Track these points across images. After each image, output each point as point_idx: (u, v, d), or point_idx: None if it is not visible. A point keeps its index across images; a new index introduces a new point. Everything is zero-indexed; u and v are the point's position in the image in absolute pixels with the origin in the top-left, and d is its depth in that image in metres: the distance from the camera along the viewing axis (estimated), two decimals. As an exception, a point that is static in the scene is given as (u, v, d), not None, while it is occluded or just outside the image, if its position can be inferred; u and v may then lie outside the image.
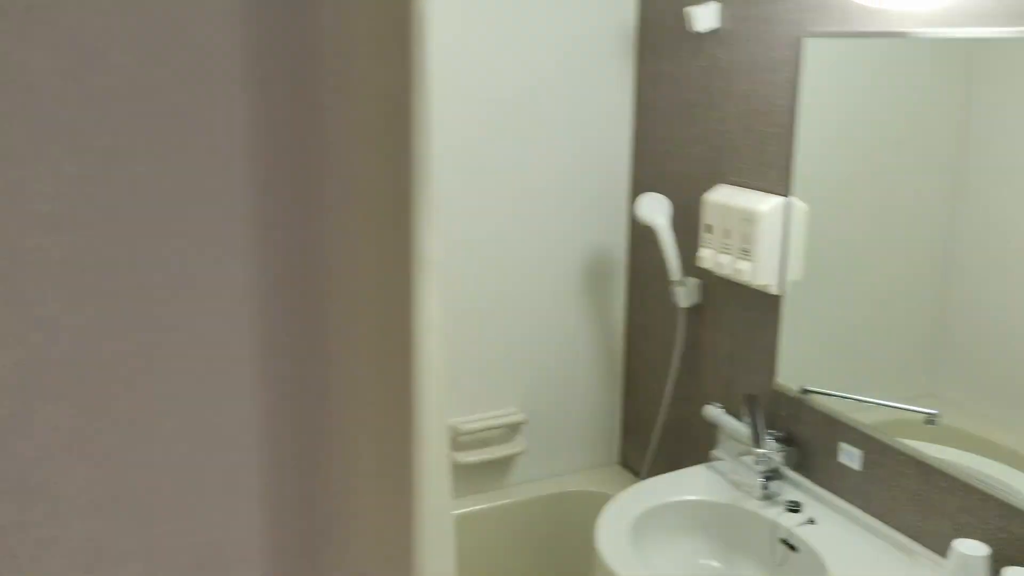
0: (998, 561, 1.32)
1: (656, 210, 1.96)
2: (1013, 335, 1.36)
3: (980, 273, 1.42)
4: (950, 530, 1.43)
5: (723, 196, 1.77)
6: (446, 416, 1.46)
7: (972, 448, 1.42)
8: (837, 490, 1.64)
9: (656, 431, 2.10)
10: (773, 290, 1.72)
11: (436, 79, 1.90)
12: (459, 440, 2.11)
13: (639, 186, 2.12)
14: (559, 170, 2.08)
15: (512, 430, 2.18)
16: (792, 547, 1.58)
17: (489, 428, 2.13)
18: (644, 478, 1.80)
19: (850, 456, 1.61)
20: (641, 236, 2.14)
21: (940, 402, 1.49)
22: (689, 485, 1.75)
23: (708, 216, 1.81)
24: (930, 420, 1.49)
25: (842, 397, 1.63)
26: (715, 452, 1.82)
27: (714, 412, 1.83)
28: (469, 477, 2.16)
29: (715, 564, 1.67)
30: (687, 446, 2.05)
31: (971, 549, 1.31)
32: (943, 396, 1.48)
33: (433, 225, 1.35)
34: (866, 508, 1.58)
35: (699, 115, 1.91)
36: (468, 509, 2.12)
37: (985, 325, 1.41)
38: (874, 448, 1.56)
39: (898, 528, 1.53)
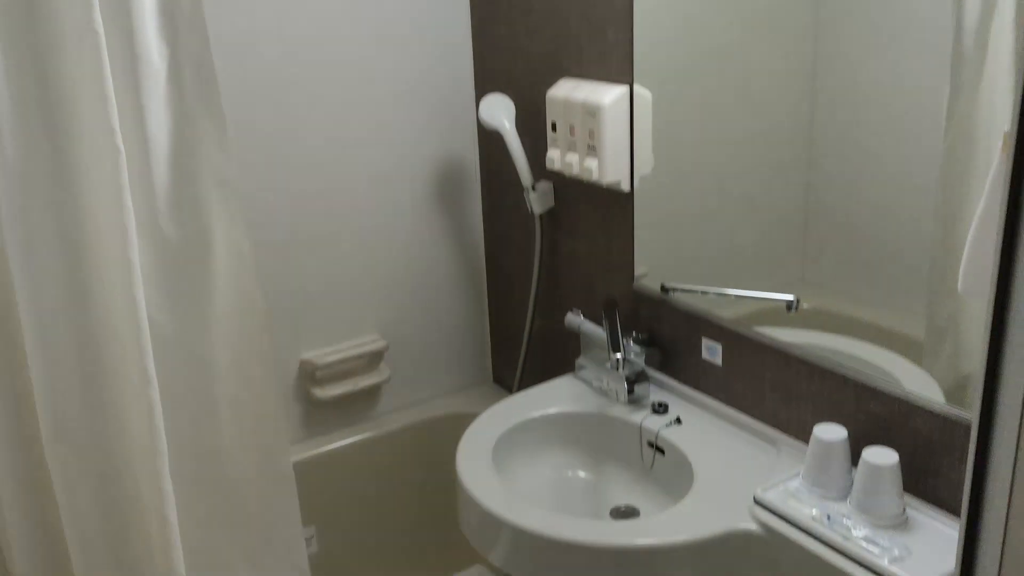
0: (857, 441, 1.29)
1: (500, 112, 1.84)
2: (875, 212, 1.31)
3: (839, 152, 1.36)
4: (811, 415, 1.40)
5: (565, 90, 1.66)
6: (272, 348, 1.31)
7: (837, 329, 1.38)
8: (702, 387, 1.60)
9: (523, 344, 2.02)
10: (624, 186, 1.63)
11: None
12: (317, 375, 1.98)
13: (483, 89, 1.98)
14: (397, 75, 1.92)
15: (375, 358, 2.06)
16: (660, 449, 1.53)
17: (349, 359, 2.01)
18: (516, 393, 1.72)
19: (712, 351, 1.56)
20: (492, 142, 2.02)
21: (807, 286, 1.44)
22: (553, 398, 1.68)
23: (552, 114, 1.69)
24: (791, 307, 1.45)
25: (703, 292, 1.58)
26: (580, 360, 1.75)
27: (575, 320, 1.75)
28: (333, 412, 2.04)
29: (583, 475, 1.62)
30: (555, 357, 1.98)
31: (830, 433, 1.28)
32: (809, 280, 1.44)
33: (227, 145, 1.18)
34: (730, 402, 1.55)
35: (536, 4, 1.78)
36: (335, 445, 2.01)
37: (847, 204, 1.36)
38: (735, 341, 1.51)
39: (762, 419, 1.50)
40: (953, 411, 1.20)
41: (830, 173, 1.37)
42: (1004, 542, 0.66)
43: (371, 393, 2.09)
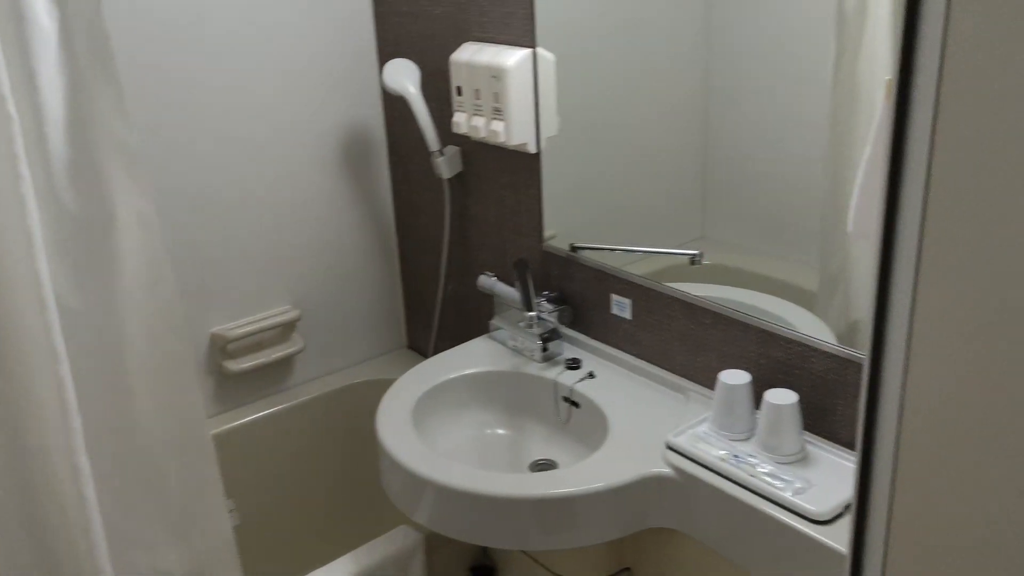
0: (760, 385, 1.36)
1: (404, 77, 1.83)
2: (769, 170, 1.37)
3: (733, 112, 1.41)
4: (716, 363, 1.47)
5: (469, 54, 1.66)
6: (185, 318, 1.30)
7: (737, 283, 1.45)
8: (612, 341, 1.65)
9: (436, 308, 2.04)
10: (531, 148, 1.65)
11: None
12: (229, 348, 1.95)
13: (387, 55, 1.97)
14: (297, 44, 1.89)
15: (287, 329, 2.04)
16: (575, 403, 1.58)
17: (261, 331, 1.98)
18: (432, 356, 1.74)
19: (621, 307, 1.61)
20: (397, 107, 2.01)
21: (707, 243, 1.50)
22: (469, 358, 1.71)
23: (457, 78, 1.70)
24: (695, 261, 1.51)
25: (610, 250, 1.62)
26: (493, 322, 1.78)
27: (488, 281, 1.78)
28: (246, 385, 2.02)
29: (502, 432, 1.65)
30: (469, 320, 2.00)
31: (734, 378, 1.35)
32: (711, 237, 1.50)
33: (125, 111, 1.15)
34: (640, 355, 1.60)
35: (437, -32, 1.77)
36: (250, 418, 1.99)
37: (744, 161, 1.41)
38: (643, 296, 1.57)
39: (671, 369, 1.56)
40: (845, 351, 1.28)
41: (724, 133, 1.43)
42: (895, 469, 0.72)
43: (285, 364, 2.07)
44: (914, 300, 0.64)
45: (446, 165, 1.86)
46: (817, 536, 1.15)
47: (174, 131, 1.78)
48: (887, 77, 0.93)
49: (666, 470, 1.33)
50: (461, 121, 1.71)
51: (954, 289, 0.61)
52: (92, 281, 1.21)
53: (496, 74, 1.59)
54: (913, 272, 0.63)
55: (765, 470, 1.26)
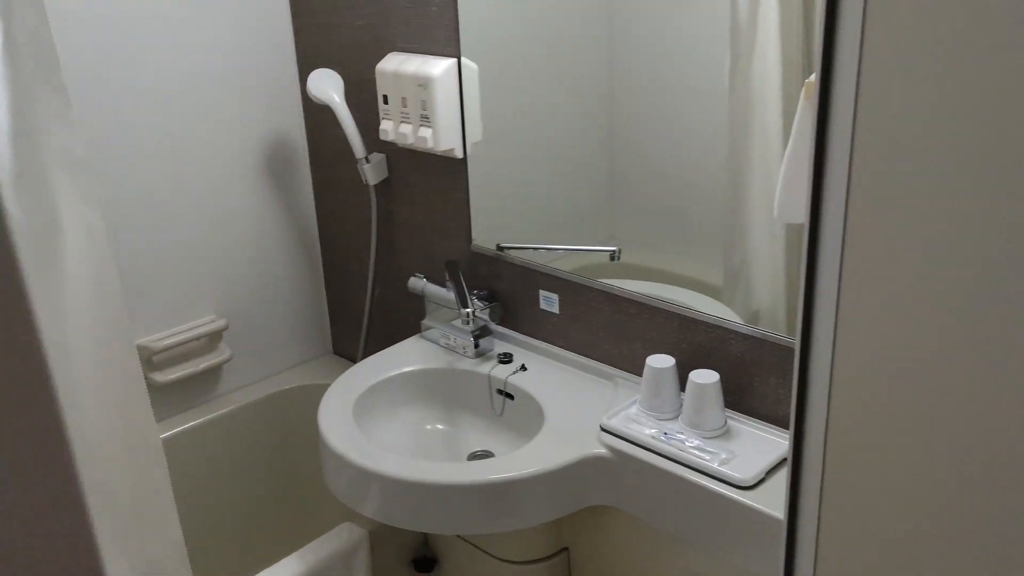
0: (683, 367, 1.47)
1: (329, 87, 1.88)
2: (673, 171, 1.48)
3: (638, 118, 1.52)
4: (642, 350, 1.57)
5: (394, 64, 1.73)
6: (131, 328, 1.31)
7: (651, 279, 1.56)
8: (542, 335, 1.74)
9: (365, 313, 2.08)
10: (457, 154, 1.73)
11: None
12: (155, 360, 1.95)
13: (308, 65, 2.01)
14: (216, 55, 1.91)
15: (213, 338, 2.05)
16: (509, 395, 1.66)
17: (187, 341, 1.99)
18: (366, 358, 1.79)
19: (549, 301, 1.70)
20: (318, 116, 2.05)
21: (620, 243, 1.60)
22: (404, 358, 1.76)
23: (383, 87, 1.76)
24: (614, 257, 1.61)
25: (535, 248, 1.71)
26: (425, 322, 1.84)
27: (418, 283, 1.84)
28: (174, 396, 2.02)
29: (440, 427, 1.72)
30: (398, 322, 2.06)
31: (661, 362, 1.45)
32: (621, 237, 1.60)
33: (71, 120, 1.17)
34: (569, 347, 1.70)
35: (358, -19, 1.83)
36: (180, 428, 1.99)
37: (649, 165, 1.52)
38: (569, 290, 1.66)
39: (599, 359, 1.65)
40: (759, 331, 1.40)
41: (629, 140, 1.54)
42: (826, 441, 0.81)
43: (213, 373, 2.08)
44: (840, 280, 0.74)
45: (372, 172, 1.91)
46: (743, 500, 1.27)
47: (95, 142, 1.77)
48: (808, 79, 1.05)
49: (602, 451, 1.42)
50: (388, 128, 1.77)
51: (875, 271, 0.71)
52: (39, 290, 1.22)
53: (423, 83, 1.66)
54: (839, 257, 0.72)
55: (693, 444, 1.37)
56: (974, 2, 0.60)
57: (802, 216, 0.77)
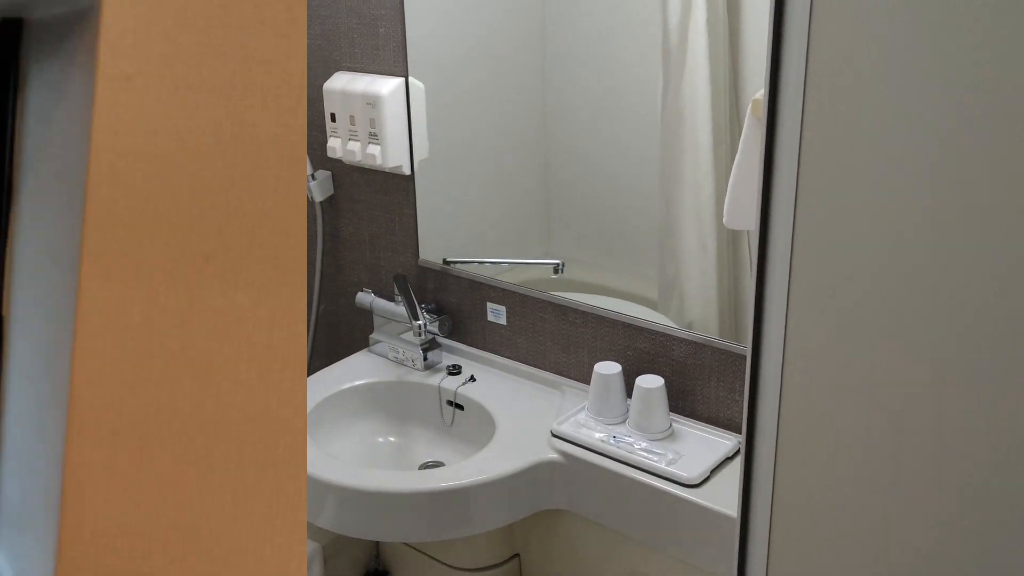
0: (629, 374, 1.53)
1: (275, 105, 1.89)
2: (610, 190, 1.56)
3: (572, 140, 1.59)
4: (588, 358, 1.63)
5: (342, 83, 1.76)
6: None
7: (593, 292, 1.62)
8: (490, 347, 1.78)
9: (311, 329, 2.10)
10: (405, 171, 1.77)
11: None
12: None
13: (251, 82, 2.02)
14: (160, 72, 1.91)
15: (156, 358, 2.03)
16: (459, 406, 1.69)
17: (130, 360, 1.97)
18: (313, 374, 1.80)
19: (497, 313, 1.75)
20: (261, 135, 2.06)
21: (555, 259, 1.67)
22: (353, 372, 1.79)
23: (330, 105, 1.79)
24: (557, 270, 1.67)
25: (480, 262, 1.76)
26: (373, 336, 1.87)
27: (367, 298, 1.86)
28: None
29: (392, 439, 1.74)
30: (345, 338, 2.08)
31: (608, 368, 1.51)
32: (557, 254, 1.67)
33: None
34: (517, 357, 1.74)
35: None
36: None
37: (585, 185, 1.59)
38: (516, 302, 1.71)
39: (546, 368, 1.71)
40: (700, 336, 1.47)
41: (567, 158, 1.62)
42: (777, 441, 0.86)
43: (156, 392, 2.06)
44: (789, 284, 0.80)
45: (318, 189, 1.93)
46: (690, 497, 1.33)
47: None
48: (756, 96, 1.12)
49: (554, 455, 1.47)
50: (336, 146, 1.80)
51: (821, 273, 0.77)
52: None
53: (372, 101, 1.70)
54: (787, 261, 0.79)
55: (641, 446, 1.43)
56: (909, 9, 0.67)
57: (750, 223, 0.84)
